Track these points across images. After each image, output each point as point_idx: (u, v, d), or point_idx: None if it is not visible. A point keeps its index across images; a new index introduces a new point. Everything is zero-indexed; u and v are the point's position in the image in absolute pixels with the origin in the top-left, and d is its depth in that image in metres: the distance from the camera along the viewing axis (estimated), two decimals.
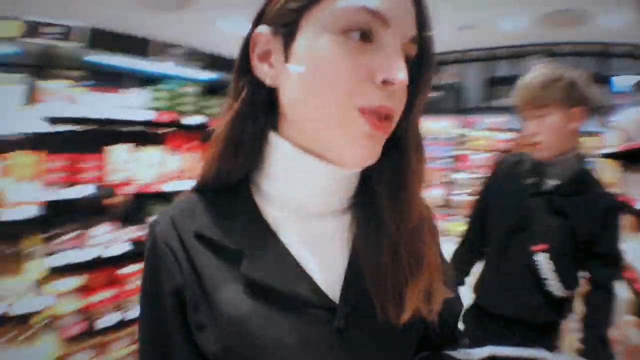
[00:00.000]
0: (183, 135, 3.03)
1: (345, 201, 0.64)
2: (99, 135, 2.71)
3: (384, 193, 0.62)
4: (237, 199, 0.63)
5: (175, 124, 2.94)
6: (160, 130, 3.08)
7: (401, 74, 0.53)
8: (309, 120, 0.57)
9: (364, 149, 0.56)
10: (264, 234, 0.60)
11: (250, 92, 0.61)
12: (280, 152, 0.61)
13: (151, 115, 2.74)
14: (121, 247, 2.61)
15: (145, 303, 0.64)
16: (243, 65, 0.61)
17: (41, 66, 3.14)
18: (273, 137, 0.61)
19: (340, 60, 0.54)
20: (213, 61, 5.75)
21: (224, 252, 0.59)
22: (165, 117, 2.82)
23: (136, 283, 2.64)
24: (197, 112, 3.05)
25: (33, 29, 2.40)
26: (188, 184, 0.69)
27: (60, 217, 2.46)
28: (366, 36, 0.54)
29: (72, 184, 2.37)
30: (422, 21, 0.58)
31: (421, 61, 0.59)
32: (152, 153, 2.81)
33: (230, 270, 0.58)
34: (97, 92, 2.62)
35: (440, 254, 0.73)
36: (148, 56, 5.19)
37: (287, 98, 0.58)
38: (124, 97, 2.75)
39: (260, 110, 0.61)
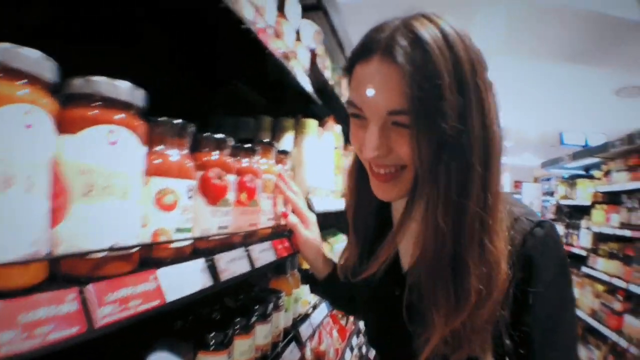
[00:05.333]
0: None
1: None
2: None
3: None
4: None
5: None
6: None
7: (369, 152, 0.78)
8: None
9: (377, 190, 0.86)
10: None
11: None
12: None
13: None
14: None
15: None
16: None
17: None
18: None
19: (352, 133, 0.86)
20: None
21: None
22: None
23: None
24: None
25: None
26: None
27: None
28: (360, 117, 0.82)
29: None
30: (409, 94, 0.70)
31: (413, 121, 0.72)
32: None
33: None
34: None
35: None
36: None
37: None
38: None
39: None
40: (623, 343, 4.10)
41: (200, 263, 0.88)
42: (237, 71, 1.46)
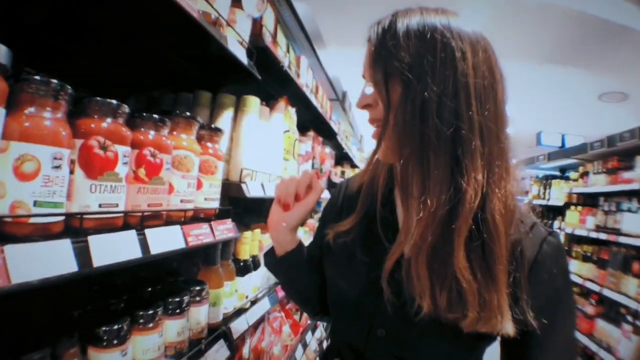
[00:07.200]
0: None
1: None
2: None
3: None
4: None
5: None
6: None
7: (357, 102, 0.88)
8: None
9: None
10: (391, 203, 0.95)
11: None
12: None
13: None
14: None
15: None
16: None
17: None
18: None
19: None
20: None
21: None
22: None
23: None
24: None
25: None
26: None
27: None
28: None
29: None
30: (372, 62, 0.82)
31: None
32: None
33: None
34: None
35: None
36: None
37: None
38: None
39: None
40: (593, 347, 4.05)
41: (67, 244, 0.75)
42: (168, 43, 1.32)
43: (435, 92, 0.75)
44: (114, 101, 0.86)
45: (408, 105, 0.77)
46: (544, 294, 0.81)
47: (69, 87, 0.78)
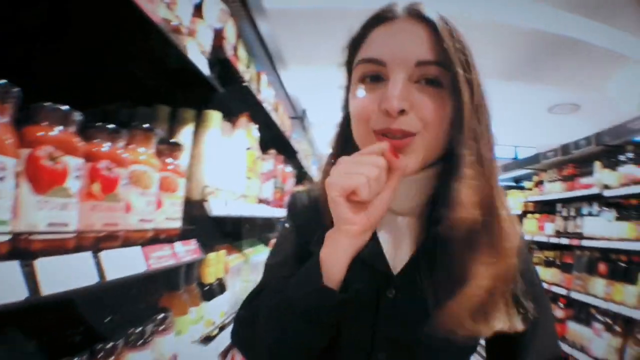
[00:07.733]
0: None
1: (417, 205, 0.78)
2: None
3: (439, 201, 0.72)
4: None
5: None
6: None
7: (392, 102, 0.66)
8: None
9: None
10: None
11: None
12: None
13: None
14: None
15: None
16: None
17: None
18: None
19: (358, 99, 0.73)
20: None
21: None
22: None
23: None
24: None
25: None
26: None
27: None
28: (377, 78, 0.71)
29: None
30: (438, 44, 0.68)
31: (448, 74, 0.69)
32: None
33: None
34: None
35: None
36: None
37: None
38: None
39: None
40: (567, 349, 4.12)
41: (13, 266, 0.65)
42: (126, 51, 1.24)
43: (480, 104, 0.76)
44: (65, 107, 0.78)
45: (476, 112, 0.73)
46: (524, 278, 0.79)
47: (16, 87, 0.70)
